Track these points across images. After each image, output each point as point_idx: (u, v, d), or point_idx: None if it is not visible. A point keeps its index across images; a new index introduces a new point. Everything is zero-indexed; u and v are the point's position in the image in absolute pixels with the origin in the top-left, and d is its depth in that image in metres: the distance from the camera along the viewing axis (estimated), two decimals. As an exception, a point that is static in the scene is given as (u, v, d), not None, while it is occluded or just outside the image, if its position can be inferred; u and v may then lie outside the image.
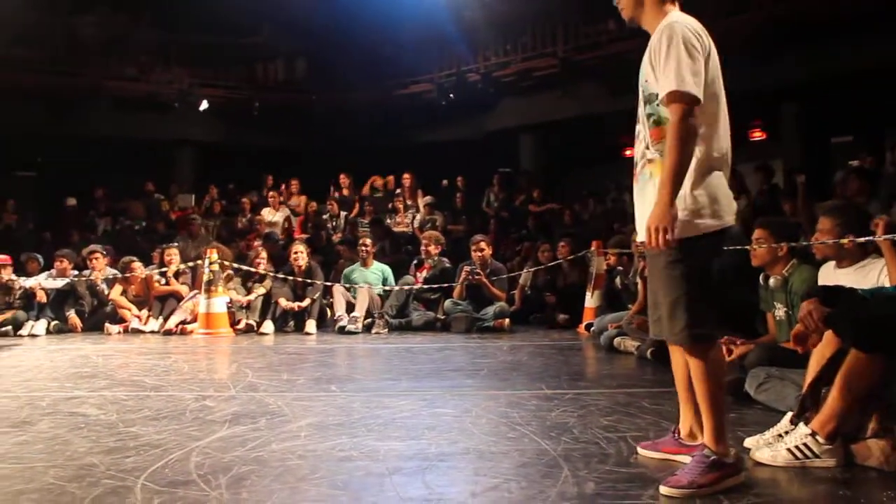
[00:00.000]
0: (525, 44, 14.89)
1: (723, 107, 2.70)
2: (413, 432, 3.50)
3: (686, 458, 2.77)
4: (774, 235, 4.55)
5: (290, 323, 8.54)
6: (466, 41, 15.04)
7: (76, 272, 9.32)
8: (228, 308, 8.42)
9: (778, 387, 3.82)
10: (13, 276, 9.18)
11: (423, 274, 8.91)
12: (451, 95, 15.44)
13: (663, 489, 2.56)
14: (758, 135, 13.79)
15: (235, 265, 8.76)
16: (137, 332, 8.59)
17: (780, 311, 4.53)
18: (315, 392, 4.59)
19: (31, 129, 13.96)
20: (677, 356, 2.92)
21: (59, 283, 9.17)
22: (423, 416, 3.85)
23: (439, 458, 3.04)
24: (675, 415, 3.09)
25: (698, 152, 2.61)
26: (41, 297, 9.01)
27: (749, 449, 3.06)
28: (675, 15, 2.70)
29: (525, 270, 9.44)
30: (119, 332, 8.61)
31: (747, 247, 4.77)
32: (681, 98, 2.54)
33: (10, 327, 8.74)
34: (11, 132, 13.32)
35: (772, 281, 4.54)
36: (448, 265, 8.86)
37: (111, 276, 9.14)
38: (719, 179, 2.68)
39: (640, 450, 3.07)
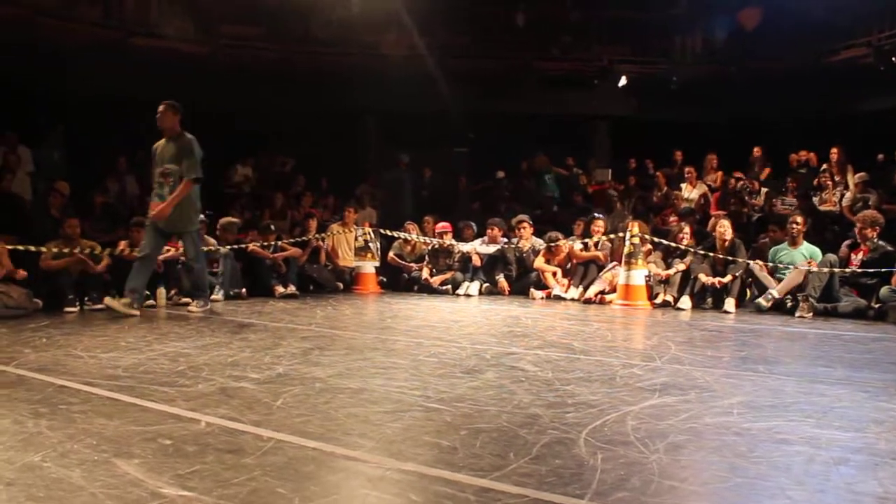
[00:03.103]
0: None
1: None
2: (857, 424, 3.26)
3: None
4: None
5: (708, 300, 8.39)
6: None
7: (505, 240, 10.10)
8: (647, 281, 8.52)
9: None
10: (453, 241, 10.28)
11: (859, 257, 8.14)
12: (894, 59, 13.75)
13: None
14: None
15: (656, 239, 8.81)
16: (559, 298, 9.07)
17: None
18: (742, 371, 4.48)
19: (466, 109, 15.28)
20: None
21: (491, 248, 10.03)
22: (866, 409, 3.57)
23: (892, 456, 2.80)
24: None
25: None
26: (476, 261, 9.95)
27: None
28: None
29: None
30: (542, 298, 9.17)
31: None
32: None
33: (449, 286, 9.86)
34: (449, 112, 14.74)
35: None
36: (890, 249, 7.99)
37: (537, 246, 9.74)
38: None
39: None
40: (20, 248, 7.64)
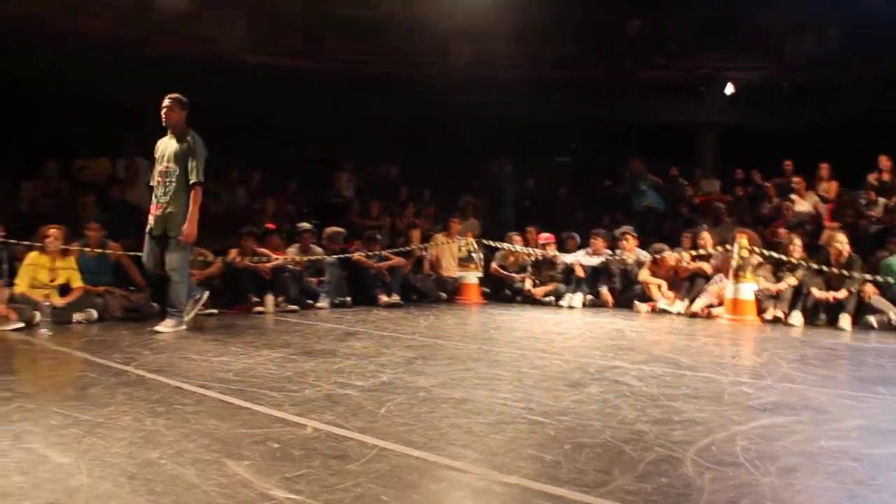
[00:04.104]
0: None
1: None
2: None
3: None
4: None
5: (821, 316, 8.05)
6: None
7: (609, 251, 9.98)
8: (756, 295, 8.26)
9: None
10: (556, 252, 10.22)
11: None
12: None
13: None
14: None
15: (766, 252, 8.53)
16: (664, 311, 8.89)
17: None
18: (860, 392, 4.29)
19: (567, 119, 15.17)
20: None
21: (595, 260, 9.92)
22: None
23: None
24: None
25: None
26: (580, 272, 9.85)
27: None
28: None
29: None
30: (647, 311, 9.01)
31: None
32: None
33: (552, 298, 9.80)
34: (552, 121, 14.67)
35: None
36: None
37: (641, 258, 9.58)
38: None
39: None
40: (140, 254, 8.00)
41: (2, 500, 2.32)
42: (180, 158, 6.52)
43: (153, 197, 6.67)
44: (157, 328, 6.44)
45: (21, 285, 7.11)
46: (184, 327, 6.57)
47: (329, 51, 13.76)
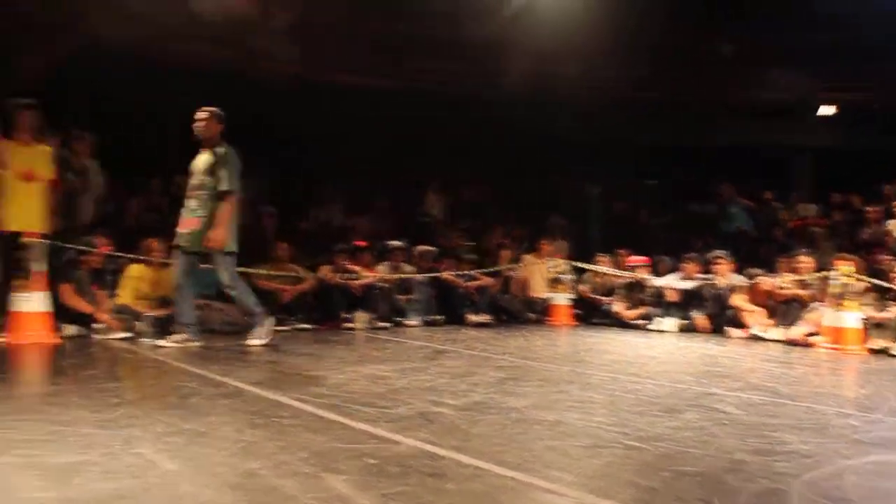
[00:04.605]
0: None
1: None
2: None
3: None
4: None
5: (928, 347, 7.70)
6: None
7: (702, 275, 9.78)
8: (859, 324, 7.94)
9: None
10: (647, 276, 10.08)
11: None
12: None
13: None
14: None
15: (867, 279, 8.22)
16: (759, 338, 8.64)
17: None
18: (976, 428, 4.08)
19: (658, 142, 14.95)
20: None
21: (687, 284, 9.74)
22: None
23: None
24: None
25: None
26: (671, 296, 9.70)
27: None
28: None
29: None
30: (741, 337, 8.78)
31: None
32: None
33: (643, 321, 9.66)
34: (641, 144, 14.50)
35: None
36: None
37: (735, 283, 9.36)
38: None
39: None
40: (244, 270, 8.23)
41: (116, 502, 2.41)
42: (212, 171, 6.46)
43: (184, 211, 6.60)
44: (249, 342, 6.57)
45: (124, 296, 7.42)
46: (265, 339, 6.55)
47: (417, 71, 13.94)
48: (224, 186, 6.42)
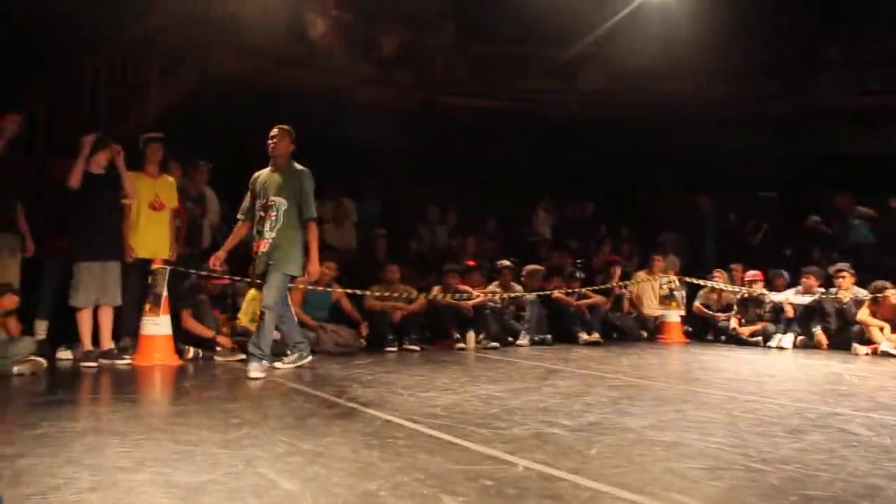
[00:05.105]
0: None
1: None
2: None
3: None
4: None
5: None
6: None
7: (822, 289, 9.41)
8: None
9: None
10: (763, 291, 9.77)
11: None
12: None
13: None
14: None
15: None
16: (887, 355, 8.23)
17: None
18: None
19: (766, 152, 14.46)
20: None
21: (806, 299, 9.39)
22: None
23: None
24: None
25: None
26: (789, 311, 9.36)
27: None
28: None
29: None
30: (867, 354, 8.39)
31: None
32: None
33: (760, 338, 9.36)
34: (750, 156, 14.05)
35: None
36: None
37: (860, 297, 8.97)
38: None
39: None
40: (348, 291, 8.42)
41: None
42: (287, 192, 6.18)
43: (255, 234, 6.32)
44: (278, 364, 6.43)
45: (243, 319, 7.67)
46: (266, 372, 6.08)
47: (525, 91, 13.99)
48: (311, 214, 6.24)
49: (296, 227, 6.21)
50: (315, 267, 6.34)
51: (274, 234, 6.14)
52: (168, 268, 6.95)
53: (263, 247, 6.18)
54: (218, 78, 9.99)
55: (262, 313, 6.14)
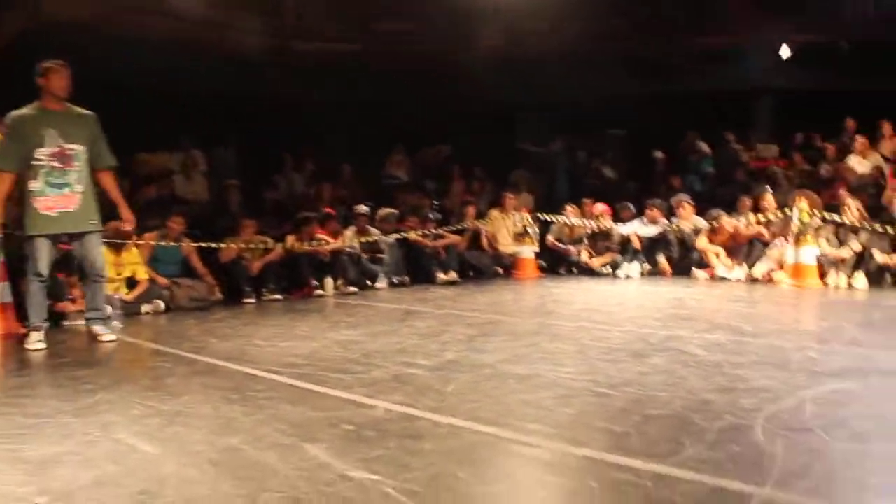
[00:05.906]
0: None
1: None
2: None
3: None
4: None
5: (885, 277, 7.90)
6: None
7: (666, 220, 9.89)
8: (819, 260, 8.12)
9: None
10: (612, 223, 10.18)
11: None
12: None
13: None
14: None
15: (826, 215, 8.37)
16: (723, 278, 8.80)
17: None
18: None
19: (619, 91, 14.94)
20: None
21: (651, 229, 9.85)
22: None
23: None
24: None
25: None
26: (636, 242, 9.81)
27: None
28: None
29: None
30: (705, 278, 8.93)
31: None
32: None
33: (609, 269, 9.80)
34: (603, 95, 14.49)
35: None
36: None
37: (699, 226, 9.48)
38: None
39: None
40: (202, 244, 8.15)
41: (98, 489, 2.43)
42: (84, 137, 5.41)
43: (44, 187, 5.28)
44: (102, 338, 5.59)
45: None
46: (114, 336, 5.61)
47: (376, 34, 13.79)
48: (114, 161, 5.57)
49: (90, 178, 5.45)
50: (128, 213, 5.65)
51: (83, 188, 5.36)
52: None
53: (73, 203, 5.32)
54: (51, 24, 9.28)
55: (98, 278, 5.57)
